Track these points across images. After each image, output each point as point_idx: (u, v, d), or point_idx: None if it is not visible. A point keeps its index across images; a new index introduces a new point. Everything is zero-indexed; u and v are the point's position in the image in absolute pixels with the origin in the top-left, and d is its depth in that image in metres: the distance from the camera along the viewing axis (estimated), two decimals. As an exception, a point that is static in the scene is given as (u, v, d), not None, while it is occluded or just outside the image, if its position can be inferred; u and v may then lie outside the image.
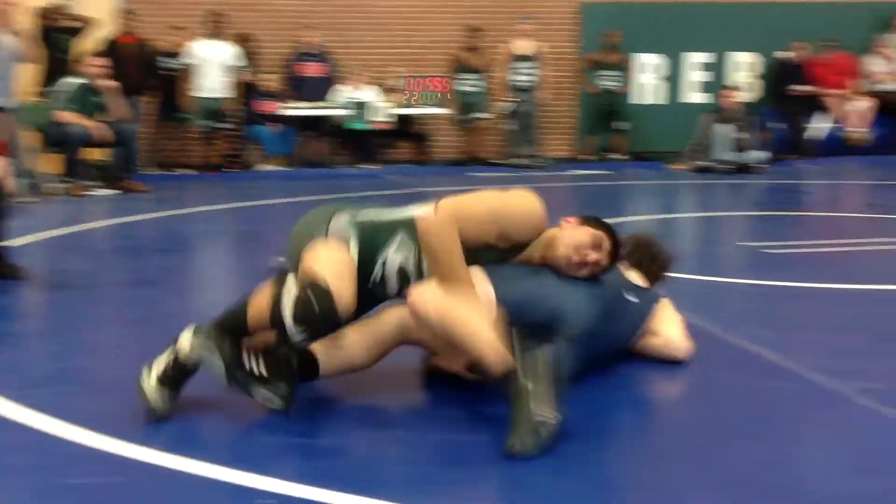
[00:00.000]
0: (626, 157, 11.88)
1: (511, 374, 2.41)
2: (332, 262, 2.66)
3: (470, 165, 11.48)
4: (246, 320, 2.67)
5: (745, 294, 4.45)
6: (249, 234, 6.74)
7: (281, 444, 2.46)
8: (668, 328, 3.13)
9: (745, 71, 12.64)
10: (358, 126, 10.90)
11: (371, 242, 2.77)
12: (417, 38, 12.00)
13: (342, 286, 2.59)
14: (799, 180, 10.09)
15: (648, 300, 3.15)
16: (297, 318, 2.53)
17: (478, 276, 2.80)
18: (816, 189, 9.69)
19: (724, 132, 10.64)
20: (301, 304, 2.54)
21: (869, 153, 11.90)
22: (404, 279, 2.78)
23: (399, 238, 2.78)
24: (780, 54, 12.12)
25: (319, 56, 11.38)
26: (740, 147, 10.75)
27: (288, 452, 2.43)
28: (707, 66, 12.53)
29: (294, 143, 11.26)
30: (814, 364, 3.08)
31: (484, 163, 11.57)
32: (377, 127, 11.00)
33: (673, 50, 12.46)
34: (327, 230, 2.77)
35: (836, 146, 11.96)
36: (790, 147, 11.86)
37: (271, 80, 11.08)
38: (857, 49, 12.51)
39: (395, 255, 2.77)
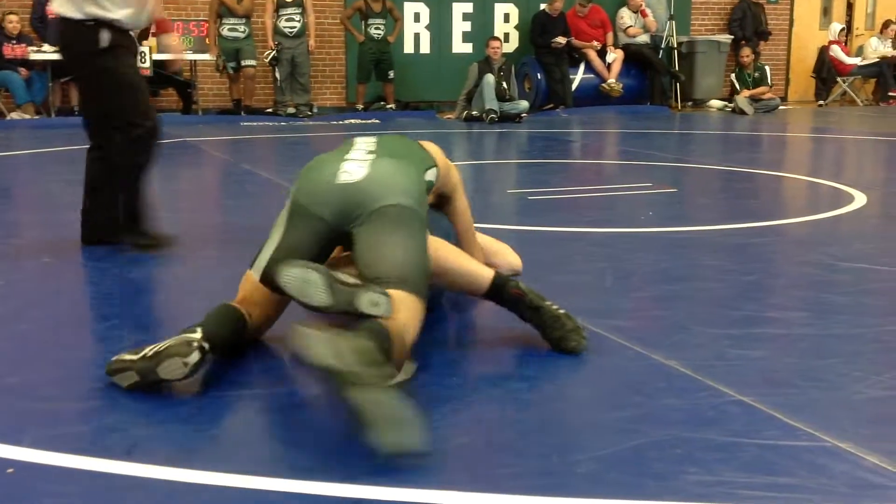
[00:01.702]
0: (392, 106, 11.95)
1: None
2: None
3: (238, 114, 11.22)
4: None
5: (509, 239, 4.61)
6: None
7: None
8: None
9: (505, 22, 13.01)
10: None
11: None
12: (178, -20, 11.54)
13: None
14: (559, 129, 10.54)
15: None
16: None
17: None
18: (575, 137, 10.16)
19: (492, 82, 10.92)
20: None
21: (621, 103, 12.60)
22: None
23: None
24: (542, 6, 12.55)
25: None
26: (504, 97, 11.08)
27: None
28: (469, 17, 12.79)
29: (46, 89, 10.58)
30: (569, 304, 3.24)
31: (252, 111, 11.32)
32: (137, 73, 10.49)
33: (437, -1, 12.62)
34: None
35: (592, 96, 12.57)
36: (550, 97, 12.35)
37: (13, 22, 10.34)
38: (611, 2, 13.16)
39: None
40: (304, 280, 2.34)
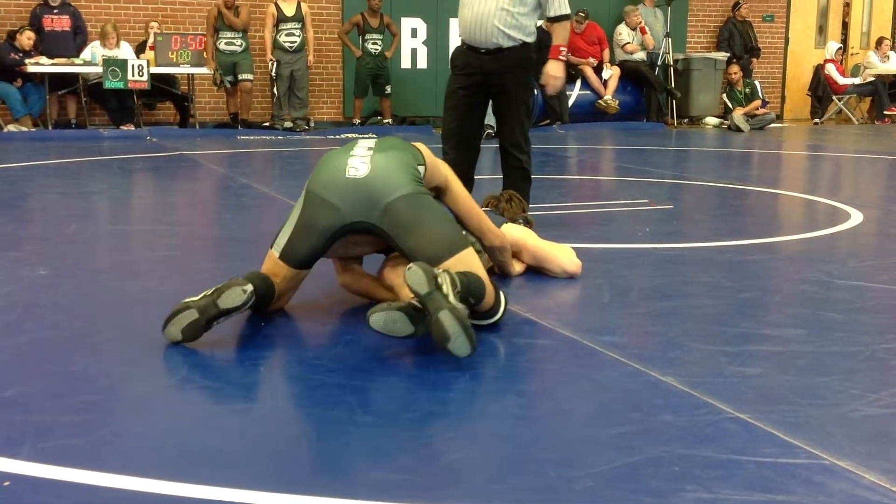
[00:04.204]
0: (389, 121, 11.97)
1: None
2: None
3: (235, 127, 11.23)
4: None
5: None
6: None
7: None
8: None
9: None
10: (118, 86, 10.36)
11: None
12: (175, -7, 11.58)
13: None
14: (555, 145, 10.56)
15: None
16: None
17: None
18: (571, 153, 10.18)
19: (486, 97, 10.93)
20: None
21: (617, 119, 12.63)
22: None
23: None
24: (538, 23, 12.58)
25: (65, 8, 10.75)
26: (501, 112, 11.08)
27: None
28: (468, 33, 12.81)
29: (43, 102, 10.59)
30: (566, 320, 3.25)
31: (249, 125, 11.34)
32: (135, 86, 10.52)
33: (434, 14, 12.65)
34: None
35: (589, 113, 12.60)
36: (546, 113, 12.38)
37: (31, 38, 10.37)
38: (608, 19, 13.22)
39: None
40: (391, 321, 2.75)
